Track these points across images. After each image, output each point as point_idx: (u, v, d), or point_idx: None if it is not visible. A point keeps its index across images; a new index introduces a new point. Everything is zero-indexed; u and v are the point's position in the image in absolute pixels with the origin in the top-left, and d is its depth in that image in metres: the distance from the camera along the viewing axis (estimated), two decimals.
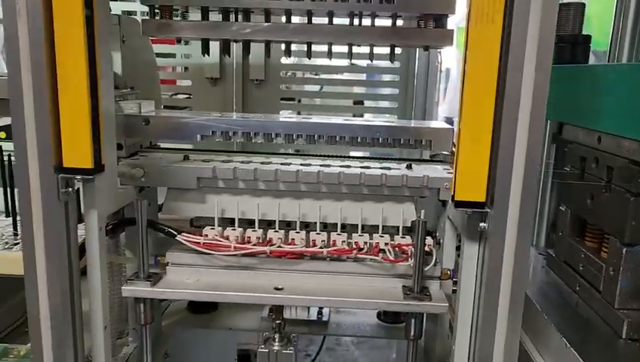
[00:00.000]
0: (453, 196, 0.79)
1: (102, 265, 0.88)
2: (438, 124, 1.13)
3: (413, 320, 0.91)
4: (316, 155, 1.11)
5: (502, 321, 0.82)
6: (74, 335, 0.87)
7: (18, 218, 1.05)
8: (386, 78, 1.86)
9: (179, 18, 0.99)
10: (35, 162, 0.78)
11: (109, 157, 0.85)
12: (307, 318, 1.27)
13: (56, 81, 0.76)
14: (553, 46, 0.73)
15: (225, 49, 1.03)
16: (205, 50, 1.00)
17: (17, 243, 1.03)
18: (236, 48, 1.65)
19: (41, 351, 0.84)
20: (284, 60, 1.74)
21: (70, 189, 0.81)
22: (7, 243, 1.03)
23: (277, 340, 0.94)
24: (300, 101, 1.86)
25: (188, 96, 1.81)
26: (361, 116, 1.84)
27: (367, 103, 1.93)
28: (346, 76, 1.86)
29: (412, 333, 0.91)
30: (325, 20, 0.99)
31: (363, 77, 2.14)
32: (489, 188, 0.78)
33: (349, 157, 1.11)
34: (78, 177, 0.80)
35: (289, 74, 1.80)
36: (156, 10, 0.97)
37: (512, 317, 0.81)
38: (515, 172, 0.76)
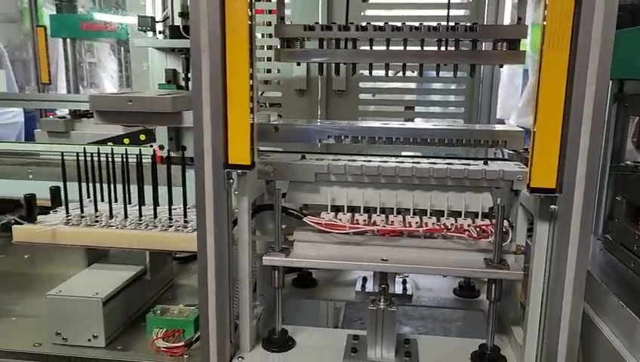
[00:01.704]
0: (528, 184, 1.01)
1: (249, 240, 1.14)
2: (507, 126, 1.35)
3: (493, 286, 1.13)
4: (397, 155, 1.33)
5: (568, 287, 1.03)
6: (230, 295, 1.13)
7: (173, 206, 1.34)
8: (454, 86, 2.07)
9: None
10: (209, 160, 1.04)
11: (256, 156, 1.11)
12: (394, 292, 1.50)
13: (226, 99, 1.02)
14: (610, 67, 0.94)
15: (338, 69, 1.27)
16: (320, 71, 1.25)
17: (171, 226, 1.30)
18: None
19: (207, 307, 1.11)
20: (363, 72, 1.98)
21: (231, 180, 1.08)
22: (163, 226, 1.30)
23: (382, 301, 1.17)
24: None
25: (262, 104, 2.09)
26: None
27: (436, 109, 2.16)
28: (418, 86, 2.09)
29: (492, 296, 1.13)
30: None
31: (430, 86, 2.37)
32: (558, 177, 0.99)
33: (434, 156, 1.33)
34: (239, 171, 1.06)
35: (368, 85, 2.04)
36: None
37: (577, 283, 1.02)
38: (579, 164, 0.97)
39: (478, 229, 1.15)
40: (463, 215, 1.20)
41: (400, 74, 1.34)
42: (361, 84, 2.04)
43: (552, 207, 1.02)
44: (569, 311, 1.03)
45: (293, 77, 2.01)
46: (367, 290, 1.51)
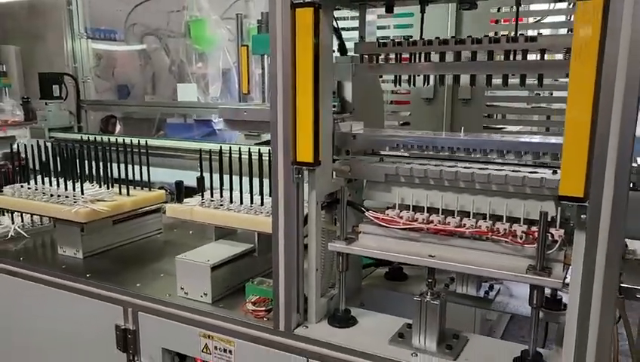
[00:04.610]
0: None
1: (317, 227, 1.34)
2: None
3: (535, 292, 1.14)
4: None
5: (596, 301, 1.01)
6: (297, 275, 1.35)
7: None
8: None
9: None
10: (281, 158, 1.28)
11: (325, 156, 1.30)
12: (476, 295, 1.55)
13: (295, 111, 1.25)
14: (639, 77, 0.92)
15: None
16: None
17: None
18: None
19: (278, 281, 1.35)
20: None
21: (300, 176, 1.29)
22: (268, 212, 1.57)
23: (429, 294, 1.27)
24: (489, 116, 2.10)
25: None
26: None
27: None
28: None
29: (534, 303, 1.15)
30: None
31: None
32: (587, 187, 0.99)
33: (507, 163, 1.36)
34: (305, 168, 1.28)
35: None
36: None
37: (605, 298, 1.00)
38: (608, 172, 0.96)
39: (530, 236, 1.17)
40: (522, 221, 1.23)
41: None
42: (488, 93, 2.07)
43: (583, 216, 1.01)
44: (597, 327, 1.01)
45: (421, 86, 2.12)
46: (449, 290, 1.58)
